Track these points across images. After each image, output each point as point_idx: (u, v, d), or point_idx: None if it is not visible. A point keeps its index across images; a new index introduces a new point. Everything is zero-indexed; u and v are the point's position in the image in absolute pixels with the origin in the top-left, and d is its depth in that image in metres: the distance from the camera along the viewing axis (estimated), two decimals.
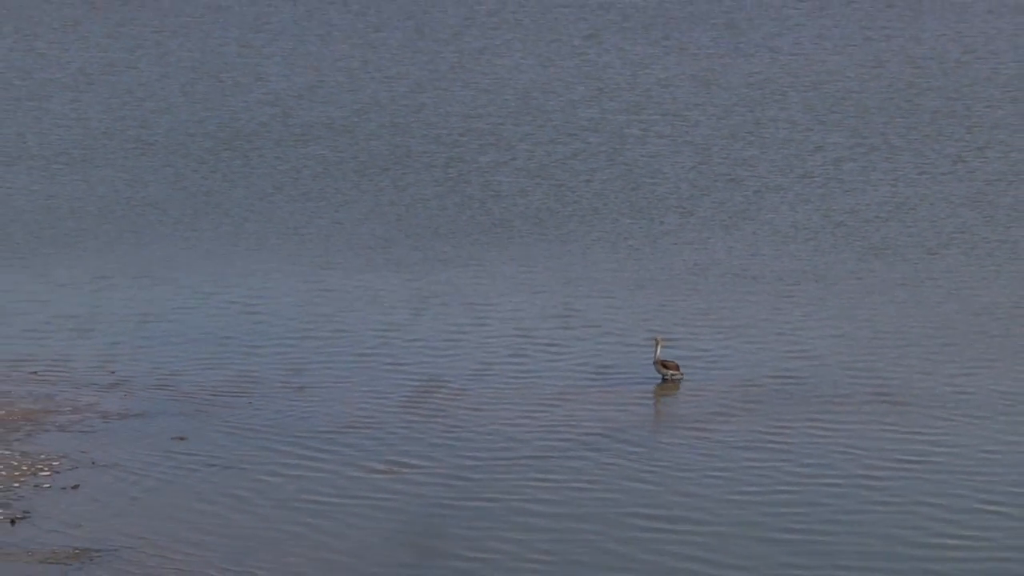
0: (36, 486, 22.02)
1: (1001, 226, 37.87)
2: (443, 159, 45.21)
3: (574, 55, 65.54)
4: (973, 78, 58.93)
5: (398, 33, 71.37)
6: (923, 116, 52.02)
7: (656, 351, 26.58)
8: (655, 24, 71.18)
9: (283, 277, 34.74)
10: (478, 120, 50.80)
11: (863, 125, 50.23)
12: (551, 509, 21.82)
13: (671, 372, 26.57)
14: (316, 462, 23.58)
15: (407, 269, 35.32)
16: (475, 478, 22.99)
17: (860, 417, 25.77)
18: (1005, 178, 43.60)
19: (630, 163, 44.75)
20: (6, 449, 23.35)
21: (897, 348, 29.73)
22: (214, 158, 45.65)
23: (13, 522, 20.61)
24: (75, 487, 22.09)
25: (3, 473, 22.36)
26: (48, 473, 22.51)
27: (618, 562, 20.36)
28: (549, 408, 25.99)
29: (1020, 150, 46.94)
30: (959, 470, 23.74)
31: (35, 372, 27.08)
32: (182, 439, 24.28)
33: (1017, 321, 31.26)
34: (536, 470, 23.34)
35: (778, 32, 69.22)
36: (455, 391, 26.73)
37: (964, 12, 74.95)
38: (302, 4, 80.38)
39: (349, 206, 40.14)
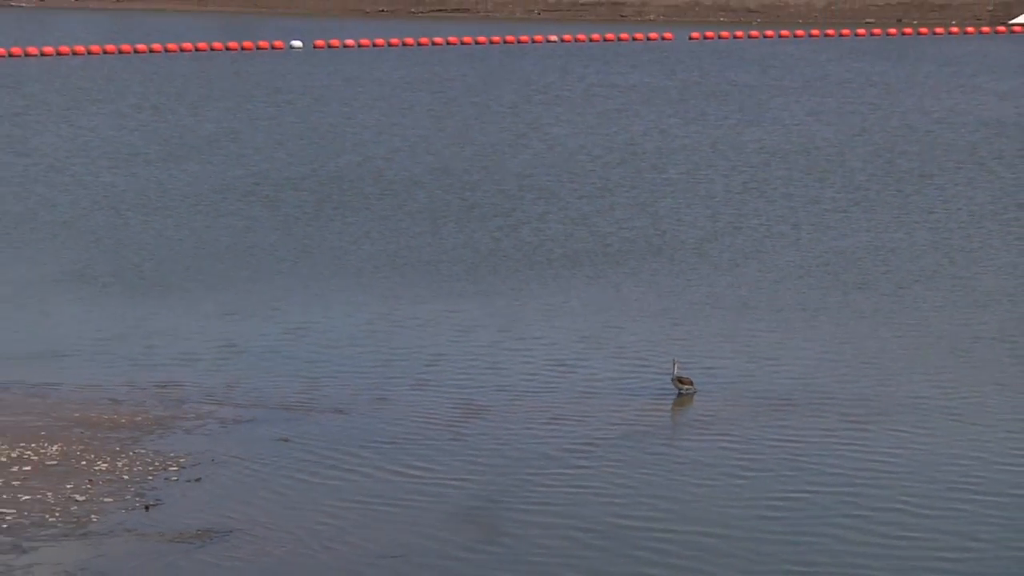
0: (166, 479, 22.27)
1: (962, 267, 37.78)
2: (503, 210, 45.24)
3: (610, 125, 65.50)
4: (940, 143, 58.87)
5: (468, 108, 71.61)
6: (898, 175, 51.97)
7: (674, 370, 26.57)
8: (678, 100, 71.17)
9: (368, 309, 34.59)
10: (532, 178, 51.12)
11: (848, 182, 50.33)
12: (585, 502, 22.04)
13: (686, 387, 26.52)
14: (388, 463, 23.73)
15: (471, 299, 35.42)
16: (519, 476, 23.14)
17: (844, 424, 25.78)
18: (965, 227, 43.41)
19: (655, 213, 44.95)
20: (141, 448, 23.62)
21: (874, 366, 29.66)
22: (316, 209, 45.98)
23: (147, 508, 20.85)
24: (197, 480, 22.32)
25: (139, 468, 22.62)
26: (176, 468, 22.73)
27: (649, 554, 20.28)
28: (584, 415, 26.04)
29: (979, 203, 46.77)
30: (947, 473, 23.43)
31: (164, 386, 27.30)
32: (286, 440, 24.43)
33: (977, 342, 31.44)
34: (573, 467, 23.59)
35: (782, 107, 69.33)
36: (504, 401, 26.98)
37: (933, 90, 74.96)
38: (388, 84, 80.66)
39: (425, 248, 40.22)
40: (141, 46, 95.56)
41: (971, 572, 19.12)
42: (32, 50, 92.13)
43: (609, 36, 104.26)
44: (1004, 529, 20.82)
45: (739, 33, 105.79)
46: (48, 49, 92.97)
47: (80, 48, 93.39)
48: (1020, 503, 22.10)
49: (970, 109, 66.22)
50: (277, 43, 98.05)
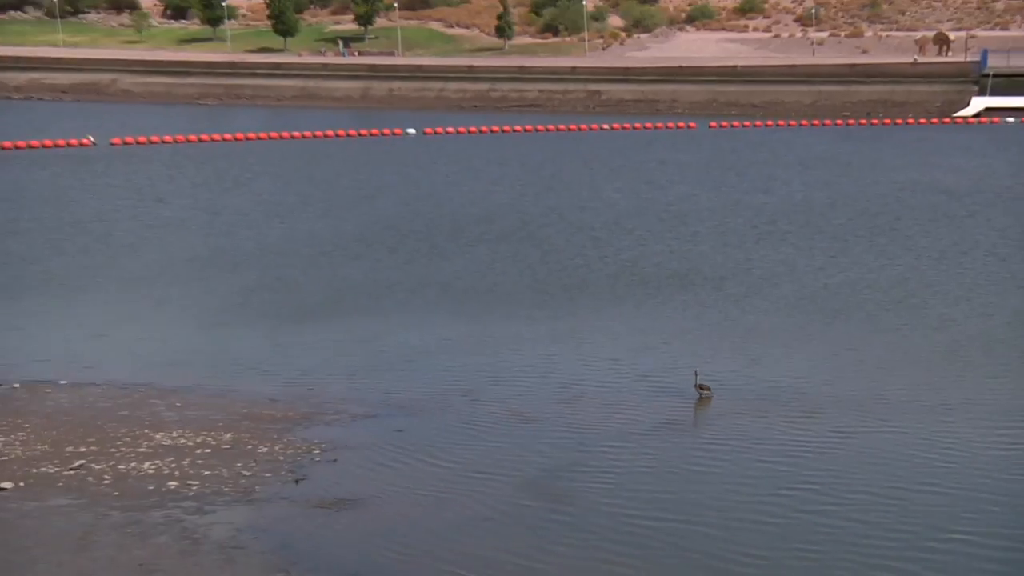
0: (310, 459, 22.75)
1: (923, 298, 37.71)
2: (569, 254, 45.36)
3: (651, 191, 65.66)
4: (905, 205, 58.56)
5: (542, 178, 72.21)
6: (873, 228, 51.60)
7: (695, 379, 26.76)
8: (703, 173, 71.32)
9: (464, 329, 34.50)
10: (590, 230, 51.38)
11: (835, 234, 49.89)
12: (627, 474, 22.61)
13: (705, 392, 26.64)
14: (479, 445, 24.05)
15: (542, 321, 35.48)
16: (577, 456, 23.38)
17: (832, 422, 25.68)
18: (926, 268, 43.17)
19: (684, 257, 45.04)
20: (292, 436, 23.98)
21: (857, 373, 29.66)
22: (427, 253, 45.97)
23: (297, 482, 21.41)
24: (334, 460, 22.79)
25: (291, 451, 23.11)
26: (318, 452, 23.16)
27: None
28: (626, 411, 26.30)
29: (937, 250, 46.46)
30: (928, 460, 23.14)
31: (310, 389, 27.78)
32: (400, 432, 24.65)
33: (935, 354, 31.40)
34: (618, 449, 23.92)
35: (783, 178, 69.00)
36: (565, 399, 27.12)
37: (897, 166, 75.02)
38: (482, 160, 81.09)
39: (509, 283, 40.23)
40: (296, 133, 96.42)
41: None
42: (216, 136, 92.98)
43: (648, 125, 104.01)
44: (981, 507, 20.53)
45: (747, 123, 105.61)
46: (228, 136, 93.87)
47: (252, 135, 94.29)
48: (986, 488, 21.70)
49: (926, 179, 66.05)
50: (397, 130, 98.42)
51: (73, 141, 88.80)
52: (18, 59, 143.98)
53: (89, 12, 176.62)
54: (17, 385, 27.10)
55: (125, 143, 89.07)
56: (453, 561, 18.13)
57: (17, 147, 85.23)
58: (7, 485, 20.38)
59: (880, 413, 26.67)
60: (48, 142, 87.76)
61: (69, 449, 22.56)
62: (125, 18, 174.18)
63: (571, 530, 19.45)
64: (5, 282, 40.75)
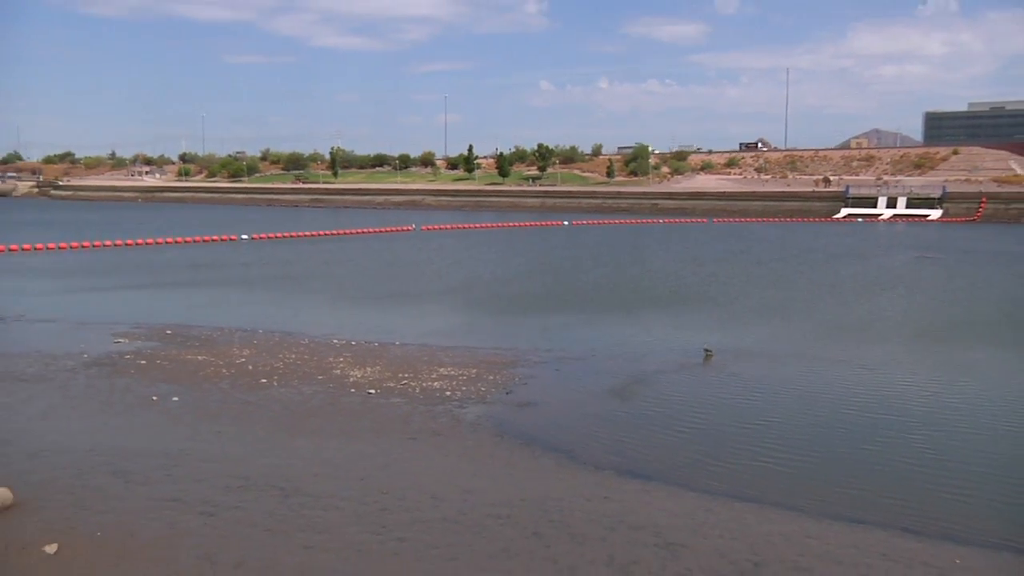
0: (514, 383, 22.37)
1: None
2: (636, 285, 44.32)
3: (683, 259, 64.06)
4: (804, 256, 56.40)
5: (622, 253, 70.75)
6: (792, 265, 49.51)
7: (705, 347, 26.12)
8: (716, 245, 69.47)
9: (586, 318, 32.59)
10: (642, 281, 49.66)
11: (771, 267, 48.23)
12: (662, 391, 21.52)
13: (709, 352, 25.75)
14: (595, 376, 23.15)
15: (615, 321, 32.87)
16: (637, 380, 22.36)
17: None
18: (813, 283, 41.13)
19: (704, 293, 43.27)
20: (505, 372, 23.64)
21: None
22: (566, 282, 44.56)
23: (507, 393, 20.76)
24: (525, 384, 22.06)
25: (504, 379, 22.74)
26: (518, 379, 22.76)
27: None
28: (660, 360, 24.90)
29: (813, 276, 44.37)
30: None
31: (514, 349, 26.91)
32: (558, 371, 23.92)
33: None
34: (656, 380, 22.83)
35: (749, 243, 66.97)
36: (628, 354, 25.64)
37: (800, 241, 71.74)
38: (602, 233, 79.84)
39: (604, 294, 38.98)
40: (508, 223, 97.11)
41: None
42: (468, 225, 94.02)
43: (681, 220, 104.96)
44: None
45: (732, 220, 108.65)
46: (475, 225, 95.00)
47: (488, 224, 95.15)
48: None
49: (817, 246, 63.88)
50: (558, 222, 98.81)
51: (403, 228, 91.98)
52: (379, 189, 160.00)
53: (411, 167, 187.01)
54: (376, 344, 27.37)
55: (430, 229, 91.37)
56: (585, 431, 17.77)
57: (378, 231, 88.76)
58: (372, 391, 20.83)
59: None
60: (390, 228, 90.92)
61: (399, 375, 22.90)
62: (428, 170, 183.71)
63: (639, 419, 18.84)
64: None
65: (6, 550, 10.04)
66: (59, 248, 60.93)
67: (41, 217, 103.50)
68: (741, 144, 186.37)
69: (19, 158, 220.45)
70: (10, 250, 58.67)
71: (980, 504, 13.14)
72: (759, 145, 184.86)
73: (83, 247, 61.75)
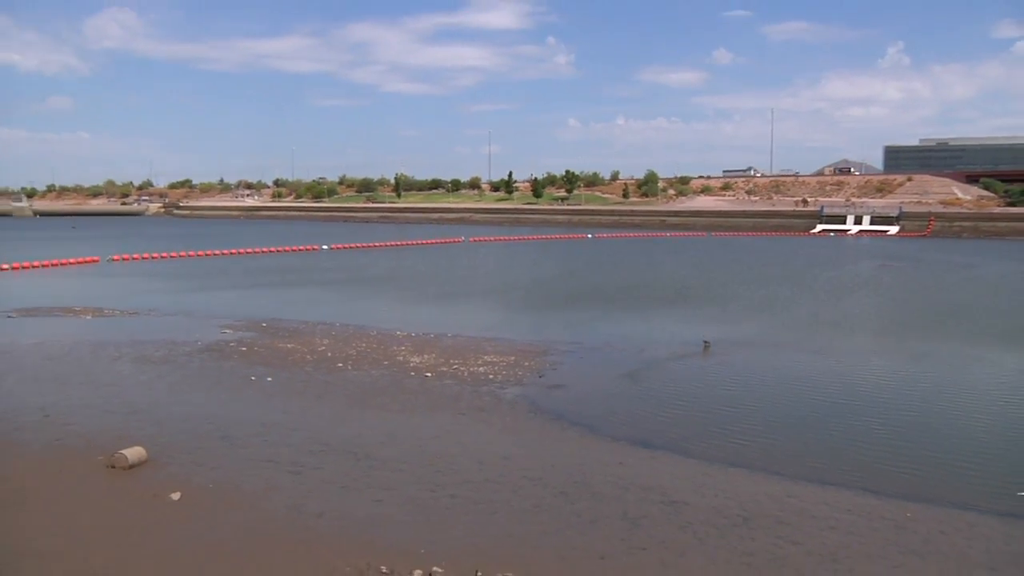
0: (547, 368, 21.93)
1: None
2: (649, 286, 43.10)
3: (689, 266, 62.59)
4: (787, 264, 54.91)
5: (636, 258, 68.89)
6: (775, 270, 48.17)
7: (704, 340, 25.56)
8: (709, 252, 68.00)
9: (606, 313, 31.86)
10: (653, 282, 47.92)
11: (759, 272, 46.83)
12: (671, 371, 21.07)
13: (708, 344, 25.25)
14: (613, 361, 22.50)
15: (634, 317, 31.70)
16: (649, 365, 21.75)
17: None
18: (796, 287, 39.72)
19: (710, 295, 41.78)
20: (538, 359, 23.17)
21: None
22: (590, 282, 43.70)
23: (540, 376, 20.34)
24: (555, 369, 21.66)
25: (538, 364, 22.31)
26: (550, 365, 22.34)
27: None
28: (668, 349, 24.37)
29: (795, 279, 43.03)
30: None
31: (540, 342, 25.90)
32: (582, 358, 23.48)
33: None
34: (665, 364, 22.29)
35: (742, 253, 65.15)
36: (643, 342, 25.03)
37: (781, 253, 69.90)
38: (619, 245, 78.44)
39: (620, 294, 37.89)
40: (540, 236, 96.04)
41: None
42: (506, 238, 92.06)
43: (686, 234, 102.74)
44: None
45: (727, 233, 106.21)
46: (512, 238, 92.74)
47: (524, 237, 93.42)
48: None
49: (798, 256, 62.25)
50: (583, 235, 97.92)
51: (454, 239, 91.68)
52: (435, 208, 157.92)
53: (461, 190, 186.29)
54: (432, 335, 26.88)
55: (476, 240, 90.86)
56: (604, 408, 17.39)
57: (434, 242, 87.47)
58: (428, 374, 20.07)
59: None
60: (443, 240, 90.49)
61: (451, 361, 22.59)
62: (475, 192, 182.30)
63: (648, 398, 18.44)
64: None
65: (143, 496, 11.05)
66: (179, 256, 62.66)
67: (167, 231, 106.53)
68: (724, 171, 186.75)
69: (151, 185, 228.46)
70: (143, 258, 60.49)
71: (928, 468, 13.30)
72: (751, 170, 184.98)
73: (197, 255, 63.08)
